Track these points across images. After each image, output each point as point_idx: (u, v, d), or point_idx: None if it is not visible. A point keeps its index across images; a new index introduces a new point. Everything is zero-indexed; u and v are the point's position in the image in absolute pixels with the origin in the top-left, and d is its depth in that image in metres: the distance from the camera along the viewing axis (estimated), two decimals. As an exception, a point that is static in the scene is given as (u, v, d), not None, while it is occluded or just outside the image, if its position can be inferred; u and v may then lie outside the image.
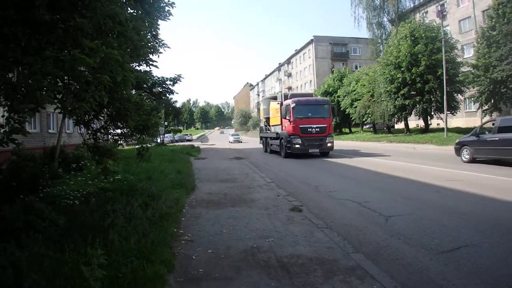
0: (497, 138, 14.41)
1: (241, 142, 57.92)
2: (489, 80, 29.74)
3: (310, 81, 78.58)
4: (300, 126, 21.38)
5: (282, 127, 23.36)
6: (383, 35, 49.19)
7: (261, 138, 31.44)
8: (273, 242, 5.71)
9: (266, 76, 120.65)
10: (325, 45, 76.54)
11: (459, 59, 34.97)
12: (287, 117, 21.87)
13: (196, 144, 45.81)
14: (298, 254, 5.11)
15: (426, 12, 47.61)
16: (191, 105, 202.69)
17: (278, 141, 24.08)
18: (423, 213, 7.63)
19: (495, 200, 8.60)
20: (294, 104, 21.62)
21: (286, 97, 24.11)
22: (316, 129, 21.58)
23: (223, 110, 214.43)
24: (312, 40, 77.58)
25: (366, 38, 54.51)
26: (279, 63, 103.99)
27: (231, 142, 56.77)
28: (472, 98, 34.68)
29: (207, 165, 19.12)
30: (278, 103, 24.67)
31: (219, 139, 78.42)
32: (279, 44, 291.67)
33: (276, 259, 4.97)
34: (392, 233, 6.30)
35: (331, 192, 10.39)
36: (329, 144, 21.99)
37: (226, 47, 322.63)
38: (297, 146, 21.38)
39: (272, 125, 26.39)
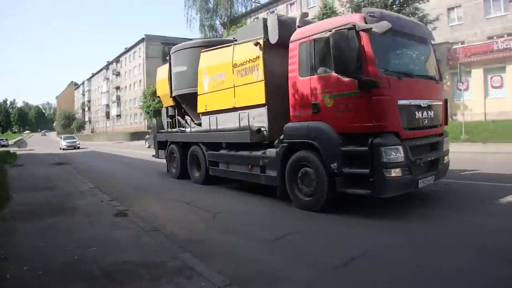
0: None
1: (79, 148, 46.88)
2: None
3: (140, 80, 76.32)
4: (401, 102, 6.38)
5: (295, 111, 7.65)
6: (215, 37, 50.95)
7: (165, 145, 13.80)
8: (96, 251, 5.35)
9: (93, 75, 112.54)
10: (157, 44, 75.08)
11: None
12: (354, 74, 6.14)
13: (12, 149, 40.53)
14: (123, 261, 4.89)
15: (257, 18, 50.32)
16: (7, 106, 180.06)
17: (278, 156, 7.99)
18: (247, 207, 8.13)
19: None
20: (386, 27, 6.00)
21: (303, 20, 8.25)
22: (429, 114, 7.06)
23: (44, 111, 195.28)
24: (143, 39, 76.07)
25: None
26: (108, 61, 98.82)
27: (64, 149, 44.40)
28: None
29: (24, 172, 17.07)
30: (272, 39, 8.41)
31: (40, 143, 70.38)
32: (109, 42, 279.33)
33: (100, 268, 4.66)
34: (219, 229, 6.53)
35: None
36: (446, 158, 7.84)
37: (49, 42, 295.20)
38: (395, 173, 6.10)
39: (215, 111, 10.37)
